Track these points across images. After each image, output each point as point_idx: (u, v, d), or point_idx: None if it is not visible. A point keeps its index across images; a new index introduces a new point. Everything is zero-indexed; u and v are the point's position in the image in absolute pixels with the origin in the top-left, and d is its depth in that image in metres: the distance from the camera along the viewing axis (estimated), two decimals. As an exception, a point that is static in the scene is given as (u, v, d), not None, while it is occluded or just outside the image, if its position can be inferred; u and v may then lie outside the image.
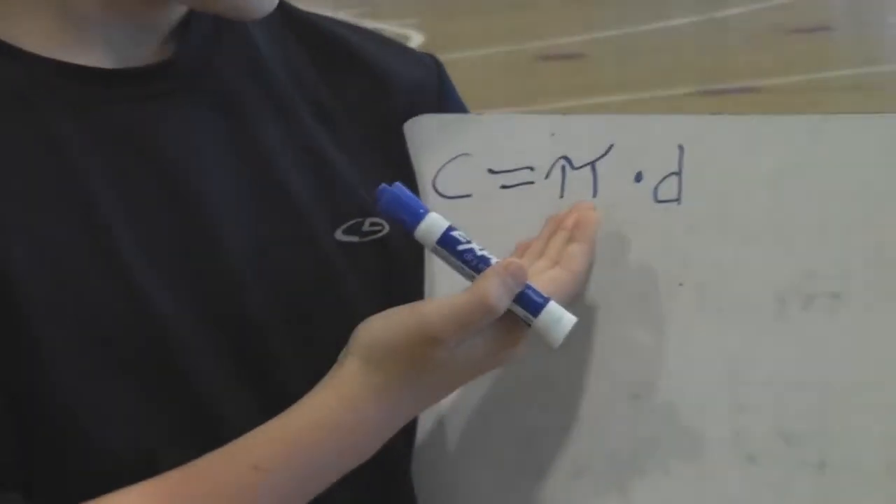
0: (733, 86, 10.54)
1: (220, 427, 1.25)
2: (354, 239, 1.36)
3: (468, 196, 1.36)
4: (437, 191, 1.38)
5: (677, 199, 1.30)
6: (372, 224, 1.36)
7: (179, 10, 1.30)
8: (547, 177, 1.33)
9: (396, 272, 1.37)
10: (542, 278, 1.23)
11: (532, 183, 1.33)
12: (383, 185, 1.18)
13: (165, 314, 1.24)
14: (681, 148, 1.30)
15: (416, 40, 13.48)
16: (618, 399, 1.32)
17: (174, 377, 1.25)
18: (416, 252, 1.35)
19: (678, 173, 1.30)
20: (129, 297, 1.22)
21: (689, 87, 10.63)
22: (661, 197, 1.31)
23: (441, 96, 1.46)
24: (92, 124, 1.25)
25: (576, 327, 1.19)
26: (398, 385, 1.22)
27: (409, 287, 1.37)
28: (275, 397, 1.28)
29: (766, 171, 1.30)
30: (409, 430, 1.36)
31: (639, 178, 1.31)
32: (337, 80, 1.41)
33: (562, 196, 1.33)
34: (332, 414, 1.22)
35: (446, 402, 1.35)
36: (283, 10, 1.40)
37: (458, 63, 9.24)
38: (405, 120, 1.41)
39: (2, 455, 1.16)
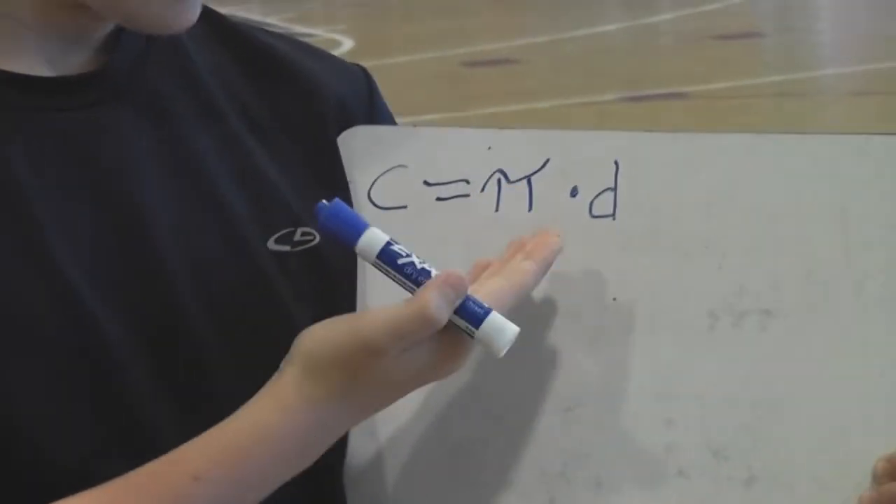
0: (662, 91, 10.67)
1: (155, 438, 1.21)
2: (286, 248, 1.34)
3: (403, 207, 1.33)
4: (372, 201, 1.35)
5: (612, 215, 1.29)
6: (303, 234, 1.34)
7: (102, 25, 1.27)
8: (482, 190, 1.31)
9: (328, 281, 1.35)
10: (483, 290, 1.17)
11: (468, 196, 1.31)
12: (322, 201, 1.14)
13: (100, 324, 1.20)
14: (616, 164, 1.29)
15: (345, 46, 13.59)
16: (550, 412, 1.31)
17: (107, 387, 1.22)
18: (348, 261, 1.32)
19: (613, 189, 1.29)
20: (64, 306, 1.19)
21: (618, 92, 10.77)
22: (596, 212, 1.29)
23: (371, 106, 1.44)
24: (28, 132, 1.22)
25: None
26: (337, 395, 1.18)
27: (342, 295, 1.35)
28: (210, 409, 1.23)
29: (700, 188, 1.30)
30: (342, 438, 1.30)
31: (574, 192, 1.29)
32: (266, 90, 1.39)
33: (497, 209, 1.31)
34: (270, 422, 1.19)
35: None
36: (211, 19, 1.38)
37: (388, 69, 9.27)
38: (335, 129, 1.38)
39: None
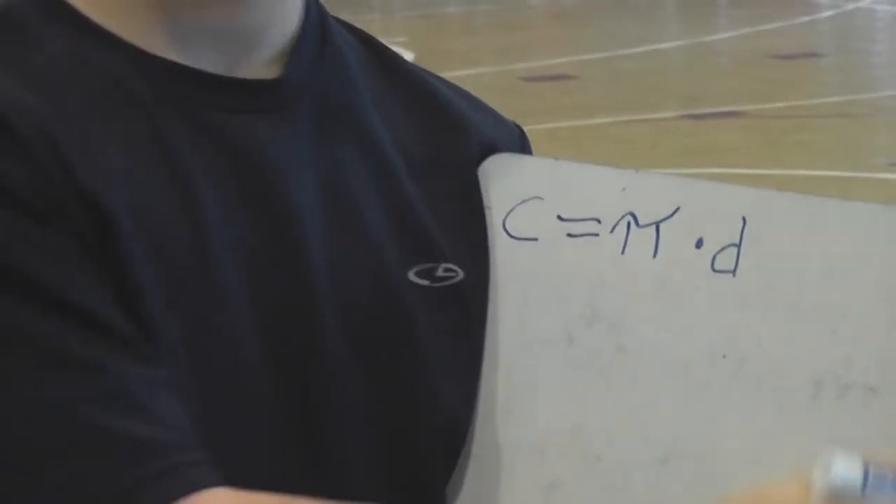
0: (719, 110, 10.66)
1: (273, 448, 1.23)
2: (426, 283, 1.32)
3: (535, 240, 1.33)
4: (506, 230, 1.35)
5: (733, 271, 1.26)
6: (446, 270, 1.33)
7: (278, 34, 1.29)
8: (612, 231, 1.30)
9: (466, 318, 1.33)
10: None
11: (597, 235, 1.30)
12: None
13: (240, 312, 1.22)
14: (743, 220, 1.27)
15: (405, 59, 13.73)
16: (647, 460, 1.28)
17: (230, 371, 1.21)
18: (486, 300, 1.36)
19: (738, 245, 1.27)
20: (213, 292, 1.20)
21: (676, 110, 10.76)
22: (717, 266, 1.27)
23: (506, 146, 1.43)
24: (197, 125, 1.25)
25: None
26: None
27: (478, 334, 1.34)
28: (323, 417, 1.27)
29: (822, 255, 1.26)
30: (452, 455, 1.32)
31: (699, 244, 1.27)
32: (422, 125, 1.39)
33: (623, 252, 1.30)
34: None
35: (483, 442, 1.34)
36: (374, 48, 1.40)
37: None
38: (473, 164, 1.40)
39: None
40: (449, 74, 1.47)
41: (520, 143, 1.45)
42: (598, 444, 1.29)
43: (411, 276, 1.30)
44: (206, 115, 1.25)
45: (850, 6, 15.81)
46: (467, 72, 12.69)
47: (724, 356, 1.26)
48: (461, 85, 1.46)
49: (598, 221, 1.30)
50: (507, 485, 1.33)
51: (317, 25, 1.33)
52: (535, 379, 1.33)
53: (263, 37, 1.28)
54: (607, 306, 1.31)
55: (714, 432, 1.26)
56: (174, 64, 1.23)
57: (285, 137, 1.28)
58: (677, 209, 1.29)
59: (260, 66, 1.27)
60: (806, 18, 15.22)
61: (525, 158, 1.41)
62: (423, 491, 1.30)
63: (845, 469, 0.96)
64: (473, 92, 1.49)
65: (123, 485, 1.06)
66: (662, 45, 14.19)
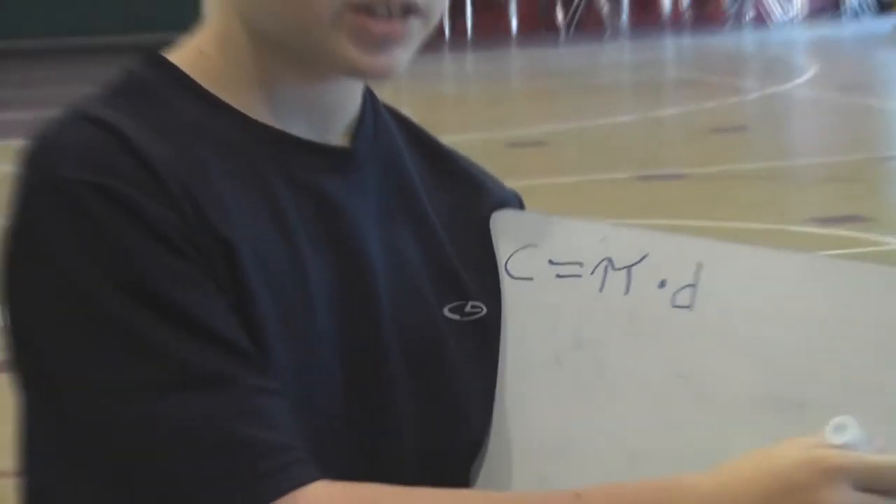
0: (666, 172, 10.53)
1: (329, 424, 1.27)
2: (457, 317, 1.36)
3: (530, 279, 1.37)
4: (507, 271, 1.38)
5: (690, 307, 1.31)
6: (472, 307, 1.38)
7: (351, 109, 1.35)
8: (592, 273, 1.34)
9: (487, 348, 1.37)
10: None
11: (580, 276, 1.35)
12: None
13: (327, 339, 1.26)
14: (698, 265, 1.32)
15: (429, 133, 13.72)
16: (620, 459, 1.32)
17: (320, 384, 1.26)
18: (493, 345, 1.38)
19: (694, 285, 1.32)
20: (311, 322, 1.25)
21: (630, 172, 10.57)
22: (677, 303, 1.32)
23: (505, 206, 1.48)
24: (295, 181, 1.29)
25: None
26: None
27: (494, 360, 1.38)
28: (383, 425, 1.32)
29: (761, 294, 1.31)
30: (473, 456, 1.36)
31: (662, 284, 1.32)
32: (448, 187, 1.43)
33: (601, 290, 1.35)
34: (691, 497, 1.19)
35: (492, 446, 1.37)
36: (409, 128, 1.43)
37: None
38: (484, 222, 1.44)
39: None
40: (446, 139, 1.54)
41: (518, 205, 1.49)
42: (581, 446, 1.33)
43: (446, 311, 1.36)
44: (302, 174, 1.30)
45: (770, 91, 15.05)
46: (461, 137, 12.31)
47: (680, 376, 1.31)
48: (456, 148, 1.55)
49: (581, 265, 1.35)
50: (508, 480, 1.36)
51: (371, 104, 1.39)
52: (530, 394, 1.37)
53: (340, 111, 1.34)
54: (588, 334, 1.35)
55: (674, 437, 1.31)
56: (275, 130, 1.30)
57: (357, 195, 1.33)
58: (645, 256, 1.34)
59: (337, 135, 1.33)
60: (736, 99, 14.52)
61: (522, 213, 1.46)
62: (451, 485, 1.33)
63: (853, 428, 1.10)
64: (467, 154, 1.57)
65: (245, 482, 1.13)
66: (620, 118, 13.57)
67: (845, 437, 1.14)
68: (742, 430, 1.28)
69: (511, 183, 1.52)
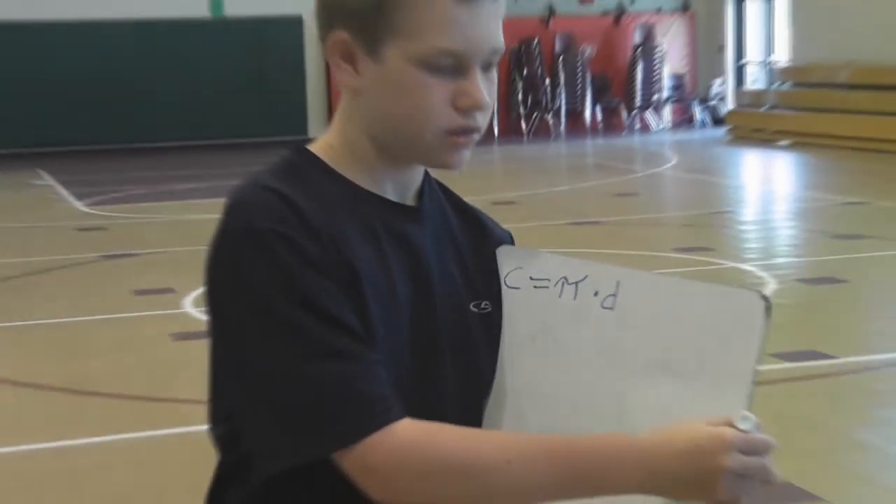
0: (587, 220, 11.19)
1: (402, 381, 1.27)
2: (476, 311, 1.37)
3: (518, 288, 1.37)
4: (505, 283, 1.38)
5: (612, 308, 1.31)
6: (484, 304, 1.38)
7: (418, 180, 1.36)
8: (555, 286, 1.34)
9: (493, 335, 1.37)
10: None
11: (547, 288, 1.34)
12: None
13: (404, 330, 1.30)
14: (618, 283, 1.32)
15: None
16: (566, 405, 1.33)
17: (401, 360, 1.29)
18: (492, 326, 1.38)
19: (615, 295, 1.31)
20: (399, 321, 1.30)
21: (566, 220, 11.26)
22: (604, 305, 1.32)
23: (507, 242, 1.44)
24: (388, 227, 1.31)
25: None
26: (683, 479, 1.16)
27: (497, 343, 1.38)
28: (437, 389, 1.34)
29: (653, 303, 1.31)
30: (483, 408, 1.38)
31: (596, 294, 1.32)
32: (470, 230, 1.42)
33: (560, 296, 1.34)
34: (624, 458, 1.18)
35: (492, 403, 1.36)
36: (441, 186, 1.42)
37: None
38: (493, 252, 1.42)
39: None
40: None
41: (510, 240, 1.45)
42: (545, 395, 1.34)
43: (471, 307, 1.37)
44: (392, 223, 1.31)
45: (650, 171, 15.54)
46: (464, 197, 12.14)
47: (604, 351, 1.31)
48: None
49: (549, 280, 1.36)
50: (500, 419, 1.36)
51: (426, 175, 1.38)
52: (516, 361, 1.37)
53: (414, 182, 1.36)
54: (551, 323, 1.35)
55: (599, 390, 1.31)
56: (376, 195, 1.31)
57: (423, 235, 1.34)
58: (586, 276, 1.33)
59: (410, 197, 1.35)
60: (630, 176, 15.10)
61: (515, 248, 1.41)
62: (472, 424, 1.32)
63: (751, 419, 1.15)
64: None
65: (362, 417, 1.19)
66: (560, 188, 14.23)
67: (748, 425, 1.15)
68: (639, 387, 1.30)
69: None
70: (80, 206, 13.17)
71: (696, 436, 1.16)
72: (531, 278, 1.36)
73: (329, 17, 1.27)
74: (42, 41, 18.23)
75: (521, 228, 10.52)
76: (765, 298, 1.25)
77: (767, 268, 8.71)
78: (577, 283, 1.34)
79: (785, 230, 11.09)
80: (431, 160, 1.31)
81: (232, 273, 1.23)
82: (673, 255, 8.94)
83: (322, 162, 1.31)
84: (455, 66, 1.25)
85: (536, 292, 1.35)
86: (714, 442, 1.15)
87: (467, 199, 1.54)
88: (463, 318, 1.35)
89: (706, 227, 11.10)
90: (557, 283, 1.34)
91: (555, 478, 1.19)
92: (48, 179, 15.67)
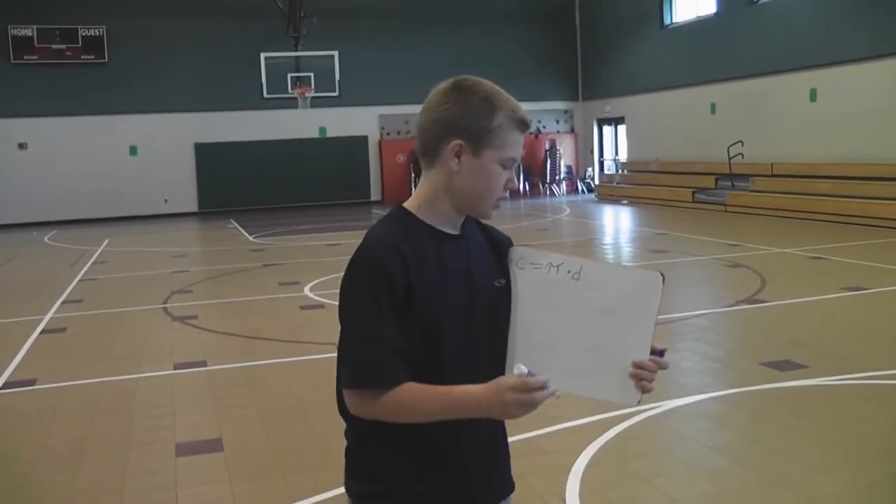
0: (523, 244, 7.86)
1: (455, 360, 1.16)
2: (497, 285, 1.23)
3: (524, 269, 1.23)
4: (517, 266, 1.24)
5: (579, 279, 1.19)
6: (500, 281, 1.24)
7: (462, 218, 1.22)
8: (545, 267, 1.22)
9: (509, 303, 1.23)
10: None
11: (540, 268, 1.21)
12: None
13: (458, 303, 1.18)
14: (581, 266, 1.19)
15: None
16: (547, 346, 1.19)
17: (454, 331, 1.17)
18: (510, 295, 1.22)
19: (580, 272, 1.20)
20: (453, 309, 1.17)
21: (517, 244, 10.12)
22: (574, 278, 1.20)
23: (509, 245, 1.29)
24: (448, 248, 1.20)
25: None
26: (494, 408, 1.09)
27: (510, 309, 1.21)
28: (477, 350, 1.20)
29: (599, 277, 1.20)
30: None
31: (569, 271, 1.20)
32: (486, 238, 1.28)
33: (548, 273, 1.20)
34: (469, 398, 1.10)
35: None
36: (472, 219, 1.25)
37: None
38: (505, 251, 1.28)
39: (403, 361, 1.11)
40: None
41: (510, 241, 1.29)
42: (537, 340, 1.19)
43: (496, 283, 1.23)
44: (449, 245, 1.20)
45: (558, 217, 14.40)
46: None
47: (576, 303, 1.19)
48: None
49: (541, 265, 1.22)
50: (513, 346, 1.20)
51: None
52: (521, 318, 1.22)
53: (461, 220, 1.23)
54: (544, 287, 1.22)
55: (569, 331, 1.18)
56: (441, 231, 1.19)
57: (467, 248, 1.22)
58: (563, 262, 1.21)
59: (458, 228, 1.23)
60: (544, 220, 14.01)
61: (523, 248, 1.26)
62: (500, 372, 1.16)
63: (523, 369, 1.08)
64: None
65: (381, 374, 1.09)
66: (506, 226, 12.43)
67: (518, 372, 1.07)
68: (595, 321, 1.18)
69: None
70: (251, 238, 13.06)
71: (497, 382, 1.10)
72: (531, 264, 1.26)
73: (448, 129, 1.17)
74: (237, 153, 18.41)
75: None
76: (662, 275, 1.19)
77: (616, 268, 8.47)
78: (558, 266, 1.24)
79: (625, 248, 10.75)
80: (483, 214, 1.24)
81: (349, 283, 1.17)
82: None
83: (410, 213, 1.23)
84: (511, 166, 1.21)
85: (535, 271, 1.25)
86: (498, 385, 1.10)
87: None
88: (491, 289, 1.24)
89: (585, 246, 10.69)
90: (546, 266, 1.25)
91: (442, 411, 1.13)
92: (235, 224, 15.59)
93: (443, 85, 1.20)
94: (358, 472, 1.20)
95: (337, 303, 1.22)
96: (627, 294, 1.18)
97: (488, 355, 1.20)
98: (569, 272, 1.22)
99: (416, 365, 1.12)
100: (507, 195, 1.23)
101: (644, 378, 1.15)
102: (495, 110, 1.17)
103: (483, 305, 1.21)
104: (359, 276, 1.13)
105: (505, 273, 1.25)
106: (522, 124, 1.19)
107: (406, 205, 1.23)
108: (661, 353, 1.16)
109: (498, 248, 1.29)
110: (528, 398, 1.07)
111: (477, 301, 1.20)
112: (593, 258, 8.74)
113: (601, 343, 1.17)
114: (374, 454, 1.17)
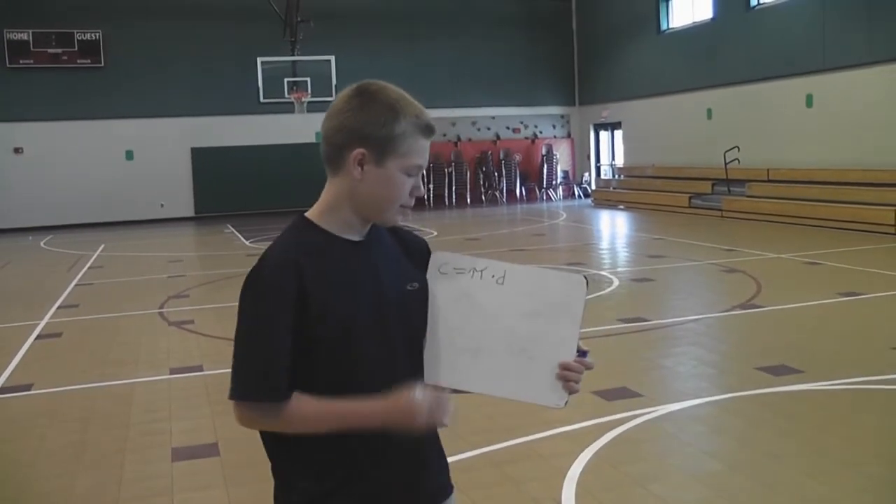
0: (519, 248, 10.29)
1: (361, 360, 1.12)
2: (409, 289, 1.20)
3: (446, 274, 1.21)
4: (439, 271, 1.22)
5: (503, 284, 1.18)
6: (412, 284, 1.21)
7: (367, 225, 1.19)
8: (468, 272, 1.21)
9: (422, 305, 1.20)
10: None
11: (464, 273, 1.20)
12: None
13: (367, 313, 1.14)
14: (505, 271, 1.20)
15: (434, 233, 12.87)
16: (469, 352, 1.18)
17: (365, 337, 1.14)
18: (425, 299, 1.20)
19: (503, 277, 1.19)
20: (360, 314, 1.13)
21: (505, 249, 10.25)
22: (498, 282, 1.19)
23: (425, 249, 1.27)
24: (351, 254, 1.16)
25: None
26: (391, 417, 1.08)
27: (426, 311, 1.19)
28: (392, 353, 1.16)
29: (522, 282, 1.19)
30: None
31: (493, 276, 1.19)
32: (402, 243, 1.26)
33: (472, 278, 1.19)
34: (374, 410, 1.09)
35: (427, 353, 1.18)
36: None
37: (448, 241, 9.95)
38: (420, 255, 1.26)
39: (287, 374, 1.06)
40: (437, 241, 1.36)
41: (425, 243, 1.28)
42: (458, 344, 1.18)
43: (407, 287, 1.19)
44: (353, 252, 1.16)
45: (554, 222, 14.43)
46: (445, 238, 11.87)
47: (500, 307, 1.18)
48: (440, 244, 1.50)
49: (465, 269, 1.21)
50: (436, 356, 1.19)
51: None
52: (440, 322, 1.20)
53: (366, 227, 1.19)
54: (469, 292, 1.20)
55: (489, 336, 1.17)
56: (343, 238, 1.15)
57: (372, 253, 1.19)
58: (487, 267, 1.20)
59: (363, 234, 1.19)
60: (541, 225, 14.05)
61: (445, 253, 1.23)
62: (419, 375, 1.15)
63: (420, 390, 1.06)
64: (445, 240, 1.58)
65: (264, 387, 1.07)
66: (503, 231, 13.36)
67: (419, 395, 1.07)
68: (520, 325, 1.17)
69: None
70: (247, 242, 12.94)
71: (401, 393, 1.11)
72: (454, 268, 1.23)
73: (350, 138, 1.13)
74: (234, 157, 18.21)
75: (482, 253, 9.08)
76: (586, 278, 1.19)
77: (613, 273, 8.42)
78: (482, 270, 1.22)
79: (622, 252, 10.69)
80: (387, 221, 1.21)
81: (245, 287, 1.16)
82: (563, 266, 8.59)
83: (309, 220, 1.20)
84: (416, 173, 1.18)
85: (458, 276, 1.23)
86: (401, 395, 1.11)
87: (450, 238, 1.51)
88: (402, 294, 1.20)
89: (581, 251, 10.69)
90: (470, 271, 1.23)
91: (339, 424, 1.10)
92: (231, 228, 15.42)
93: (347, 90, 1.17)
94: (277, 487, 1.18)
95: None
96: (552, 297, 1.18)
97: (407, 358, 1.18)
98: (493, 276, 1.21)
99: (332, 372, 1.10)
100: (413, 202, 1.20)
101: (571, 379, 1.15)
102: (398, 117, 1.13)
103: (394, 309, 1.18)
104: (250, 291, 1.12)
105: (417, 277, 1.22)
106: (427, 130, 1.16)
107: (308, 214, 1.20)
108: (583, 354, 1.16)
109: (411, 252, 1.27)
110: (437, 400, 1.09)
111: (386, 306, 1.17)
112: (583, 264, 8.81)
113: (527, 346, 1.16)
114: (286, 468, 1.15)
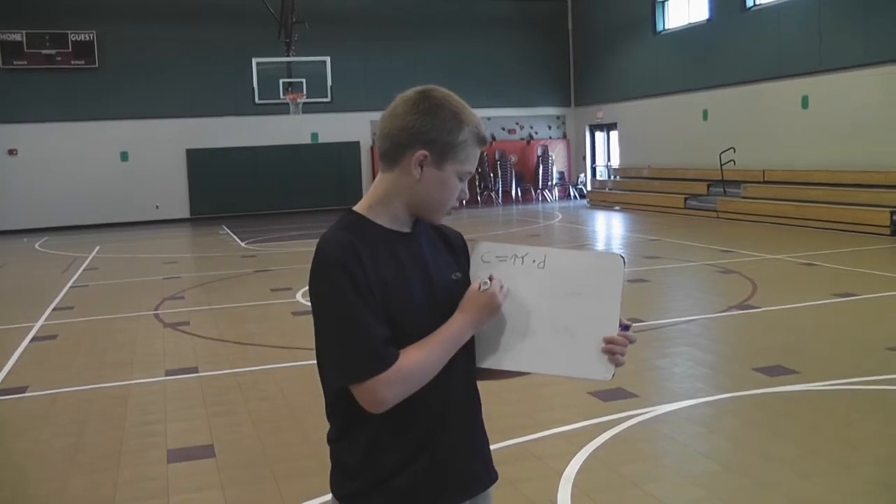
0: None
1: (420, 328, 1.18)
2: (454, 278, 1.25)
3: (489, 262, 1.24)
4: (482, 260, 1.26)
5: (544, 267, 1.21)
6: (456, 274, 1.25)
7: (413, 218, 1.23)
8: (510, 259, 1.23)
9: (463, 293, 1.23)
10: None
11: (506, 260, 1.23)
12: None
13: (419, 296, 1.19)
14: (545, 255, 1.22)
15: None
16: (517, 334, 1.20)
17: (416, 322, 1.17)
18: (463, 287, 1.23)
19: (544, 261, 1.21)
20: (414, 303, 1.18)
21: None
22: (539, 266, 1.21)
23: (462, 241, 1.32)
24: (401, 246, 1.20)
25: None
26: (475, 312, 1.17)
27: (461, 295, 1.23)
28: (440, 323, 1.20)
29: (563, 265, 1.21)
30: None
31: (534, 261, 1.22)
32: (445, 238, 1.29)
33: (514, 264, 1.22)
34: (463, 319, 1.17)
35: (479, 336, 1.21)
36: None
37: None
38: (461, 248, 1.30)
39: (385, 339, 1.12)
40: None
41: (461, 237, 1.31)
42: (508, 325, 1.21)
43: (452, 276, 1.24)
44: (403, 243, 1.21)
45: (550, 223, 14.43)
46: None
47: (543, 289, 1.21)
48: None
49: (507, 257, 1.24)
50: (483, 335, 1.21)
51: None
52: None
53: (412, 221, 1.23)
54: (512, 277, 1.22)
55: (537, 317, 1.21)
56: (395, 231, 1.20)
57: (420, 245, 1.23)
58: (528, 253, 1.22)
59: (410, 227, 1.23)
60: (536, 225, 13.99)
61: (488, 242, 1.27)
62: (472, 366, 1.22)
63: (486, 281, 1.14)
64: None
65: (377, 358, 1.10)
66: (499, 231, 13.34)
67: (485, 286, 1.14)
68: (562, 305, 1.20)
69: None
70: (242, 244, 12.98)
71: (467, 296, 1.20)
72: (496, 257, 1.27)
73: (415, 139, 1.18)
74: (229, 159, 18.33)
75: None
76: (622, 257, 1.23)
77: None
78: (522, 257, 1.26)
79: (618, 253, 11.02)
80: (434, 220, 1.26)
81: (316, 282, 1.17)
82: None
83: (361, 215, 1.24)
84: (467, 178, 1.24)
85: (500, 263, 1.26)
86: (470, 293, 1.20)
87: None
88: (449, 283, 1.25)
89: (584, 247, 10.68)
90: (511, 257, 1.26)
91: (443, 351, 1.17)
92: (227, 230, 15.48)
93: (411, 93, 1.22)
94: (339, 472, 1.22)
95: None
96: (591, 276, 1.21)
97: None
98: (534, 261, 1.24)
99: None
100: (457, 204, 1.26)
101: (616, 352, 1.19)
102: (462, 126, 1.19)
103: (444, 298, 1.22)
104: (324, 281, 1.15)
105: (460, 268, 1.27)
106: (482, 140, 1.22)
107: (356, 208, 1.24)
108: (626, 328, 1.20)
109: (451, 244, 1.31)
110: (491, 295, 1.16)
111: (437, 294, 1.21)
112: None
113: (572, 324, 1.20)
114: (352, 453, 1.19)
